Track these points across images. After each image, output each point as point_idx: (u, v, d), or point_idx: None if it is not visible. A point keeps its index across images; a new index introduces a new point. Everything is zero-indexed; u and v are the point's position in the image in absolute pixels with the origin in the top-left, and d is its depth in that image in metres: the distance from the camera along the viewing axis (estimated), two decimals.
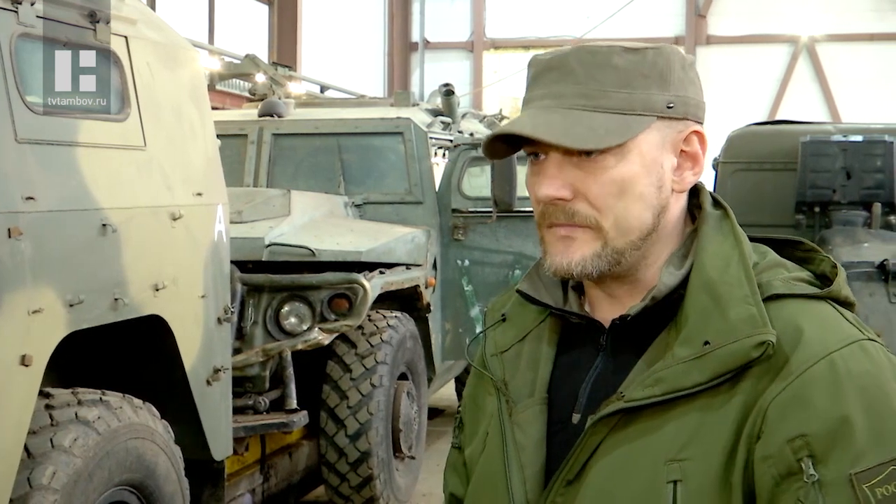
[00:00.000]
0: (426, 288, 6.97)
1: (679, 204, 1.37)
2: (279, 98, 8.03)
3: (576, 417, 1.36)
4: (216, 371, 4.46)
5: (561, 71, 1.34)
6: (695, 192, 1.41)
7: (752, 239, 1.38)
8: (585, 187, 1.32)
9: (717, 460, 1.24)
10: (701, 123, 1.37)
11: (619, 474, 1.28)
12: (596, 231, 1.33)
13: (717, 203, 1.40)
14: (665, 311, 1.33)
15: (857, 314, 1.34)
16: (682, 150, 1.35)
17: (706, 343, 1.26)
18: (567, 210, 1.33)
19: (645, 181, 1.32)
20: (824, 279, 1.34)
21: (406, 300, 6.83)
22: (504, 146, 1.39)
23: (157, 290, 4.00)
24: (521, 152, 1.40)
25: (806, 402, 1.21)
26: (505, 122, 9.06)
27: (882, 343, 1.29)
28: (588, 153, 1.31)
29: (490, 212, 7.21)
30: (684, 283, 1.32)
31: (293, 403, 5.68)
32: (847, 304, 1.33)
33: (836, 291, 1.32)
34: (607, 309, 1.39)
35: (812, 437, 1.20)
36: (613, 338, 1.38)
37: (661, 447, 1.26)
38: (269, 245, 5.95)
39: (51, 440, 3.48)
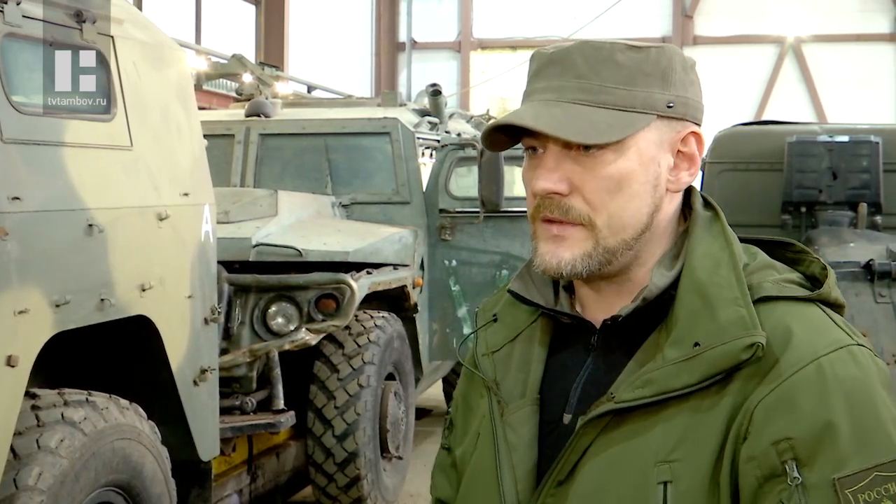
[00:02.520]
0: (413, 288, 6.96)
1: (672, 204, 1.37)
2: (266, 98, 8.02)
3: (567, 418, 1.36)
4: (203, 371, 4.45)
5: (563, 65, 1.34)
6: (687, 192, 1.40)
7: (742, 240, 1.38)
8: (582, 182, 1.32)
9: (707, 461, 1.24)
10: (699, 125, 1.37)
11: (610, 475, 1.28)
12: (588, 229, 1.33)
13: (708, 204, 1.40)
14: (656, 311, 1.33)
15: (843, 314, 1.35)
16: (679, 151, 1.35)
17: (696, 344, 1.26)
18: (562, 205, 1.33)
19: (641, 179, 1.33)
20: (814, 281, 1.34)
21: (393, 300, 6.83)
22: (503, 137, 1.39)
23: (144, 290, 3.99)
24: (509, 152, 1.40)
25: (792, 405, 1.21)
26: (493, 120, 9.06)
27: (870, 347, 1.29)
28: (587, 148, 1.31)
29: (477, 212, 7.21)
30: (675, 283, 1.32)
31: (280, 404, 5.68)
32: (836, 307, 1.33)
33: (825, 294, 1.32)
34: (598, 309, 1.40)
35: (797, 440, 1.20)
36: (604, 338, 1.38)
37: (651, 448, 1.27)
38: (256, 245, 5.94)
39: (37, 441, 3.47)
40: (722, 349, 1.24)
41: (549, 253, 1.34)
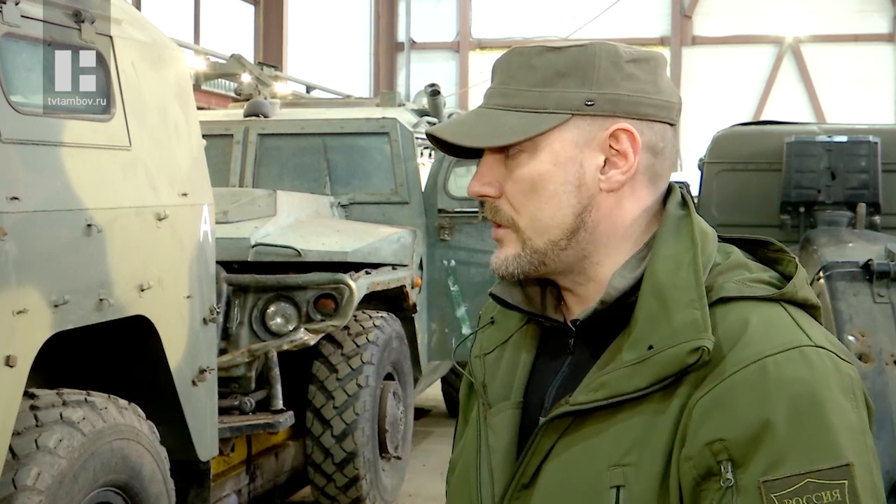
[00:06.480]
0: (412, 288, 6.97)
1: (627, 204, 1.34)
2: (265, 98, 8.02)
3: (542, 421, 1.34)
4: (202, 371, 4.45)
5: (496, 72, 1.37)
6: (668, 192, 1.38)
7: (722, 239, 1.36)
8: (505, 185, 1.34)
9: (658, 465, 1.22)
10: (645, 120, 1.32)
11: (567, 478, 1.28)
12: (515, 231, 1.34)
13: (685, 204, 1.37)
14: (623, 314, 1.31)
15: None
16: (613, 149, 1.32)
17: (650, 347, 1.24)
18: (493, 208, 1.36)
19: (559, 180, 1.31)
20: (791, 280, 1.31)
21: (392, 300, 6.83)
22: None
23: (143, 290, 3.99)
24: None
25: (728, 405, 1.19)
26: None
27: (835, 350, 1.24)
28: (509, 152, 1.33)
29: (476, 212, 7.22)
30: (640, 285, 1.30)
31: (279, 404, 5.68)
32: (808, 307, 1.30)
33: (790, 293, 1.28)
34: (577, 311, 1.38)
35: (730, 441, 1.17)
36: (578, 341, 1.37)
37: (605, 452, 1.25)
38: (254, 245, 5.94)
39: (35, 441, 3.47)
40: (670, 352, 1.22)
41: (494, 254, 1.38)
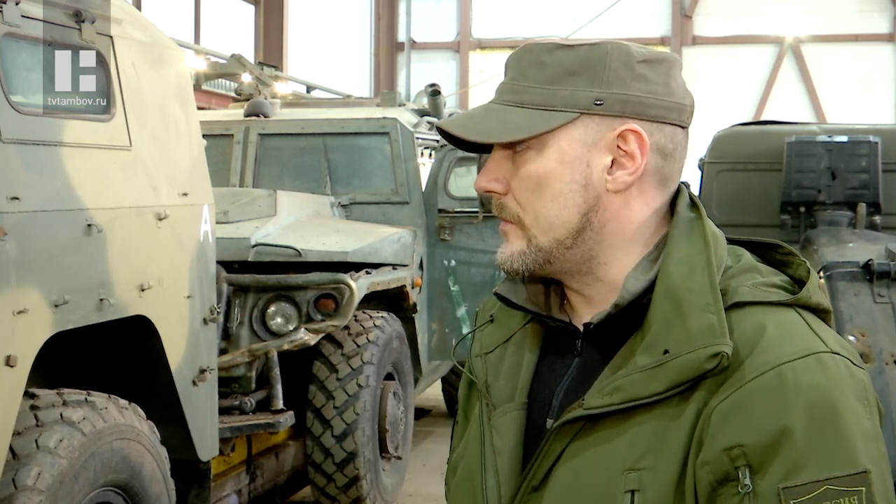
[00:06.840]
0: (412, 288, 6.97)
1: (635, 206, 1.33)
2: (265, 98, 8.02)
3: (549, 423, 1.34)
4: (202, 371, 4.45)
5: (509, 68, 1.37)
6: (676, 193, 1.37)
7: (731, 241, 1.35)
8: (512, 182, 1.34)
9: (673, 470, 1.22)
10: (654, 121, 1.31)
11: (579, 482, 1.27)
12: (520, 228, 1.34)
13: (694, 205, 1.36)
14: (634, 316, 1.30)
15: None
16: (620, 149, 1.31)
17: (666, 352, 1.24)
18: (499, 204, 1.36)
19: (565, 178, 1.31)
20: (801, 284, 1.30)
21: (392, 300, 6.83)
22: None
23: (143, 290, 3.99)
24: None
25: (746, 412, 1.18)
26: None
27: (848, 356, 1.24)
28: (517, 149, 1.33)
29: (476, 212, 7.22)
30: (652, 288, 1.29)
31: (279, 404, 5.68)
32: (820, 312, 1.29)
33: (804, 298, 1.27)
34: (584, 312, 1.38)
35: (749, 447, 1.17)
36: (586, 343, 1.36)
37: (619, 456, 1.25)
38: (255, 245, 5.94)
39: (36, 441, 3.47)
40: (688, 358, 1.21)
41: (499, 249, 1.37)
